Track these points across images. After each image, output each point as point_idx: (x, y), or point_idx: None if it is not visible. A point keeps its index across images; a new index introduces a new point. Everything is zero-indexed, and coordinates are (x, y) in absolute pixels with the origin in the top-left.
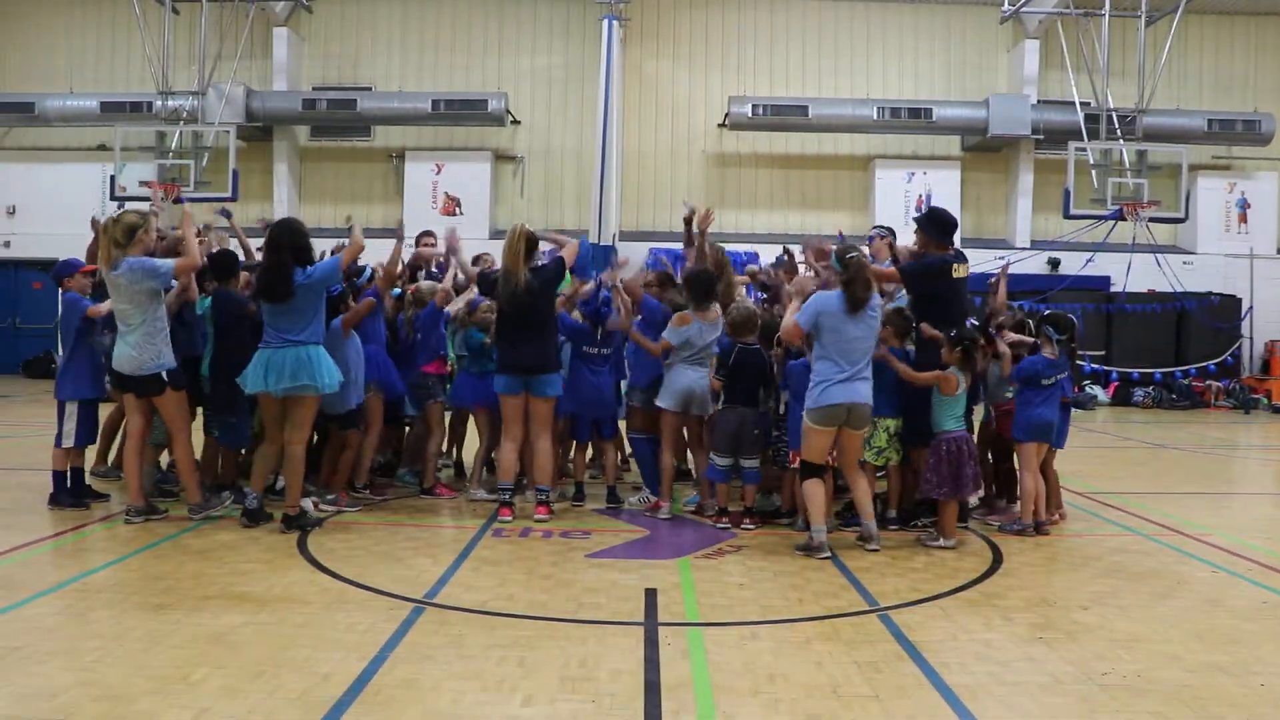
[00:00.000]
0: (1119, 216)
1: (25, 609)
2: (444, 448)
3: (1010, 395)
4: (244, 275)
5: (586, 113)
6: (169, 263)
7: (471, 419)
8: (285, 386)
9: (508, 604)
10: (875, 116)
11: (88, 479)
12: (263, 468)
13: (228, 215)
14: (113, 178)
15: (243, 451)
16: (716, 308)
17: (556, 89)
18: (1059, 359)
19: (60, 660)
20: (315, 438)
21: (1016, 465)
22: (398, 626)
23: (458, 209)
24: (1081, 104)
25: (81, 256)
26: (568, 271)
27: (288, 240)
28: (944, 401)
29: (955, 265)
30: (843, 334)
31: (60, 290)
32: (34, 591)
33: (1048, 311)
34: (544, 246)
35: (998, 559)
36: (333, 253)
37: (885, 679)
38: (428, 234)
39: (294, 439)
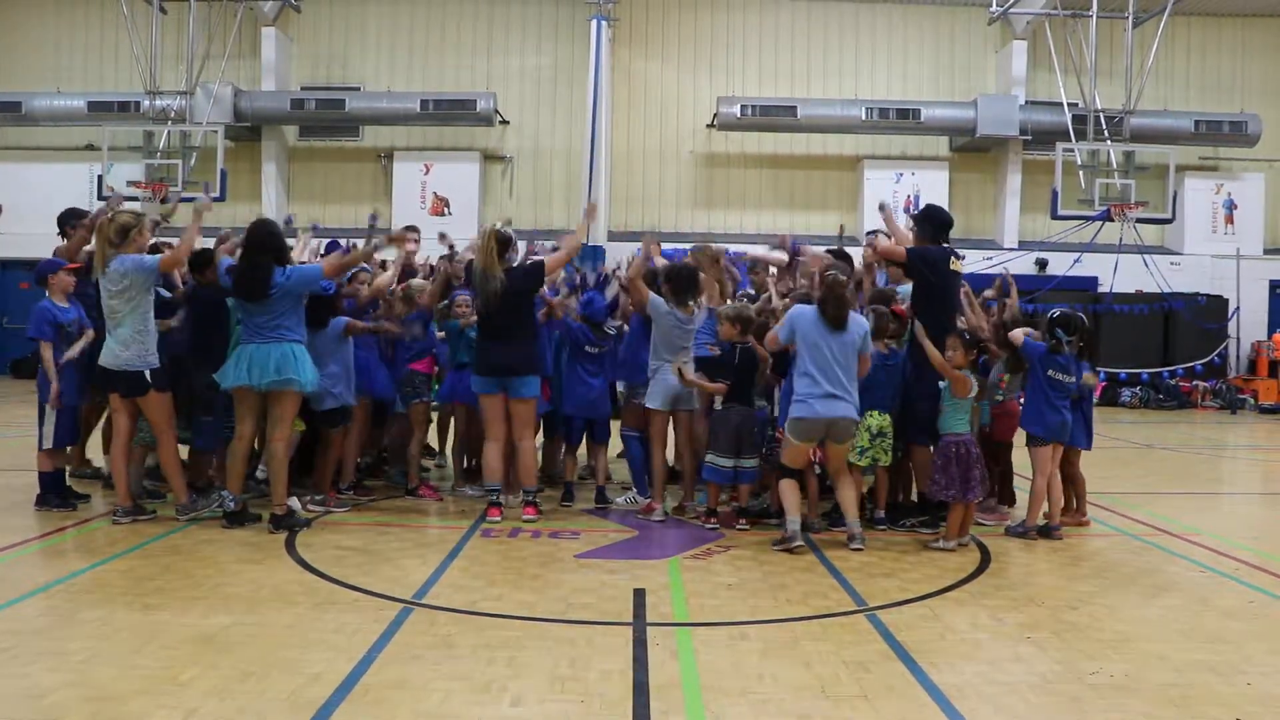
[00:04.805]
0: (1106, 217)
1: (13, 609)
2: (425, 446)
3: (1001, 399)
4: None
5: (575, 113)
6: (155, 257)
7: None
8: (270, 381)
9: (496, 604)
10: (864, 117)
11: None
12: (237, 468)
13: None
14: (100, 177)
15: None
16: (693, 305)
17: (545, 89)
18: (1070, 359)
19: (49, 661)
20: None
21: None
22: (386, 627)
23: (446, 209)
24: (1069, 105)
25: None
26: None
27: (267, 242)
28: (954, 403)
29: (951, 259)
30: (820, 350)
31: (45, 291)
32: (22, 592)
33: (1058, 313)
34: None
35: (986, 559)
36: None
37: (874, 679)
38: (411, 229)
39: (275, 436)
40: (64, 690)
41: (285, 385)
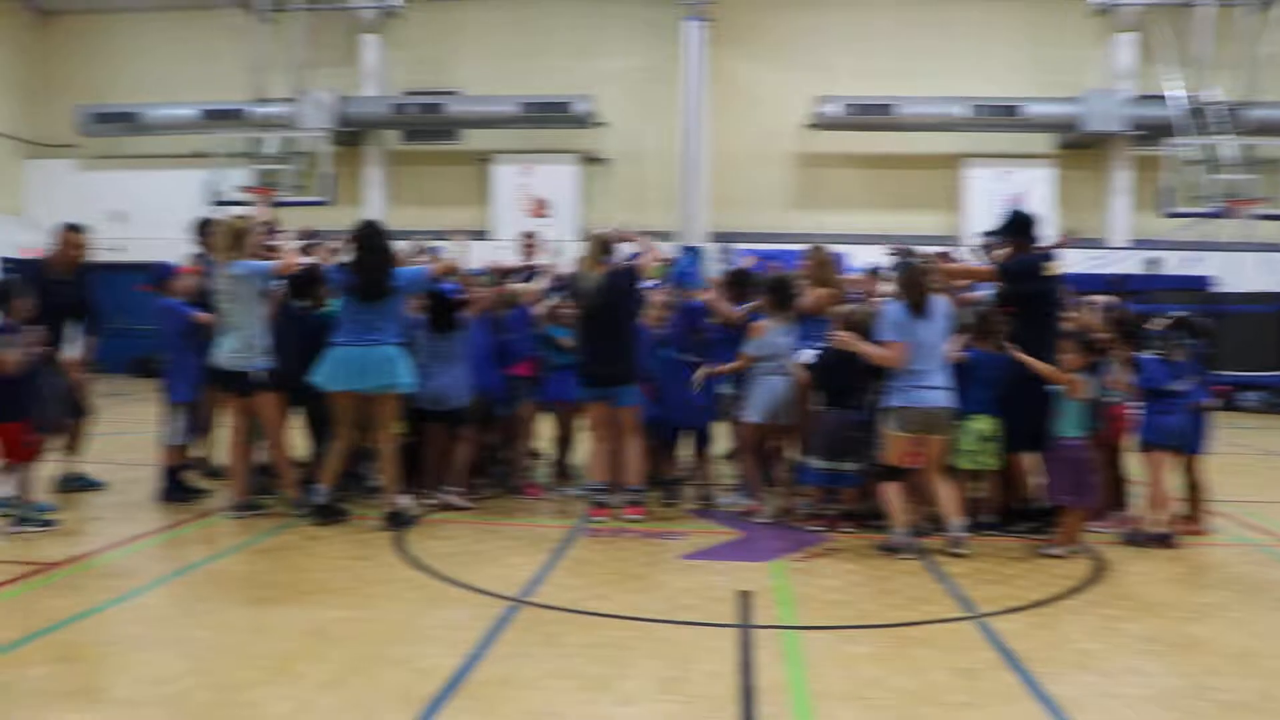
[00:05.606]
0: (1222, 214)
1: (138, 599)
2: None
3: (1114, 401)
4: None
5: (672, 114)
6: (269, 264)
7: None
8: (375, 384)
9: (601, 604)
10: (963, 114)
11: (189, 475)
12: (335, 465)
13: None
14: (212, 183)
15: None
16: (790, 314)
17: (642, 91)
18: (1188, 364)
19: (172, 649)
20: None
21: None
22: (493, 624)
23: (545, 211)
24: (1181, 97)
25: (179, 259)
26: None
27: (380, 241)
28: (1068, 407)
29: (1045, 264)
30: (914, 340)
31: (161, 296)
32: (147, 582)
33: (1178, 316)
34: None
35: (1100, 567)
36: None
37: (984, 687)
38: (529, 234)
39: (385, 438)
40: (187, 678)
41: (388, 389)
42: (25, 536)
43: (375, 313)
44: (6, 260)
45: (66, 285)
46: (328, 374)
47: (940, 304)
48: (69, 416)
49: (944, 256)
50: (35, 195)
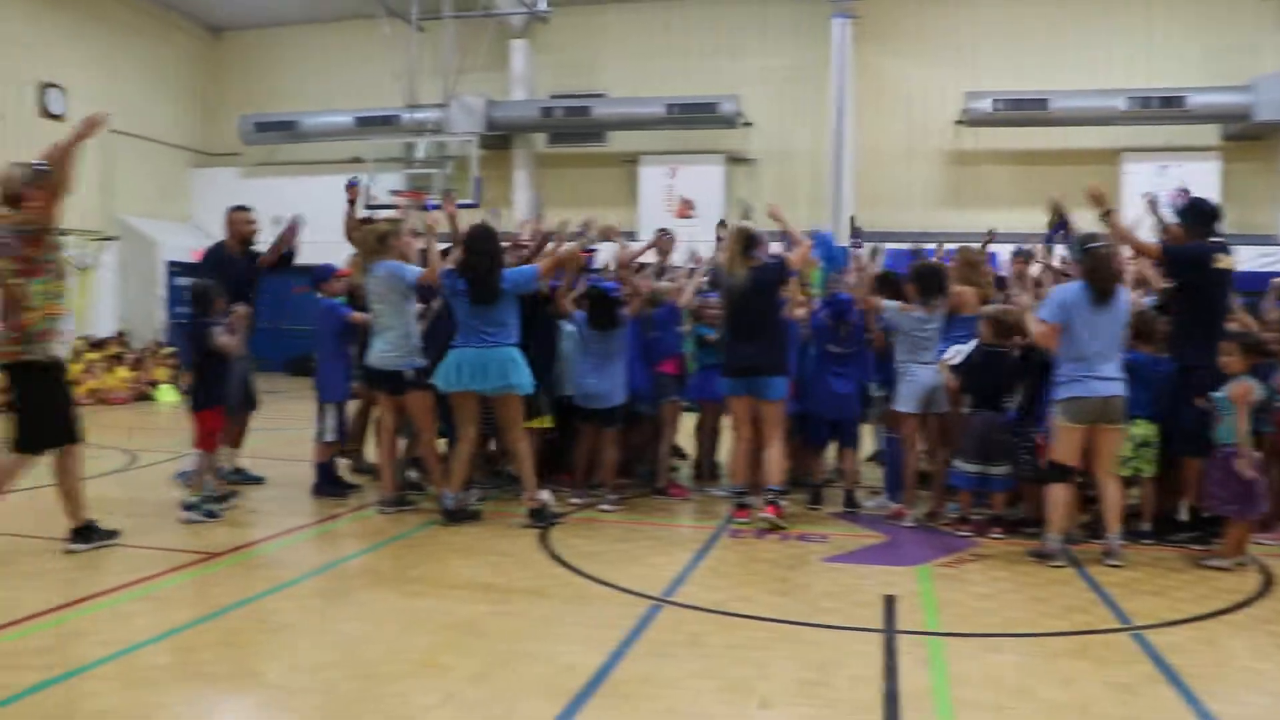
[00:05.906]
0: None
1: (294, 588)
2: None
3: None
4: None
5: (819, 113)
6: (416, 269)
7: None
8: (495, 385)
9: (744, 605)
10: (1122, 107)
11: (342, 471)
12: (460, 468)
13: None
14: (365, 188)
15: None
16: (935, 305)
17: (788, 90)
18: None
19: (325, 638)
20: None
21: None
22: (636, 623)
23: (691, 211)
24: None
25: (339, 261)
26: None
27: (489, 245)
28: (1232, 411)
29: (1216, 255)
30: (1090, 327)
31: (319, 296)
32: (302, 573)
33: None
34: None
35: (1268, 581)
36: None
37: (1141, 703)
38: (664, 231)
39: (514, 438)
40: (336, 667)
41: (508, 390)
42: (193, 526)
43: (488, 315)
44: (172, 264)
45: (241, 263)
46: (445, 376)
47: (1123, 293)
48: (245, 407)
49: (1111, 213)
50: (201, 202)
